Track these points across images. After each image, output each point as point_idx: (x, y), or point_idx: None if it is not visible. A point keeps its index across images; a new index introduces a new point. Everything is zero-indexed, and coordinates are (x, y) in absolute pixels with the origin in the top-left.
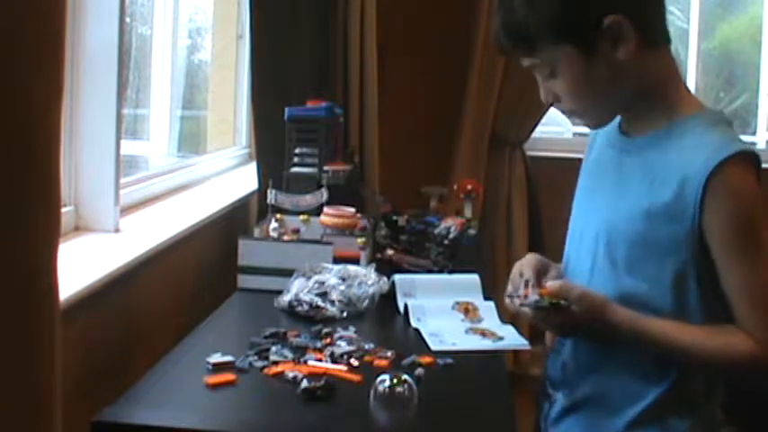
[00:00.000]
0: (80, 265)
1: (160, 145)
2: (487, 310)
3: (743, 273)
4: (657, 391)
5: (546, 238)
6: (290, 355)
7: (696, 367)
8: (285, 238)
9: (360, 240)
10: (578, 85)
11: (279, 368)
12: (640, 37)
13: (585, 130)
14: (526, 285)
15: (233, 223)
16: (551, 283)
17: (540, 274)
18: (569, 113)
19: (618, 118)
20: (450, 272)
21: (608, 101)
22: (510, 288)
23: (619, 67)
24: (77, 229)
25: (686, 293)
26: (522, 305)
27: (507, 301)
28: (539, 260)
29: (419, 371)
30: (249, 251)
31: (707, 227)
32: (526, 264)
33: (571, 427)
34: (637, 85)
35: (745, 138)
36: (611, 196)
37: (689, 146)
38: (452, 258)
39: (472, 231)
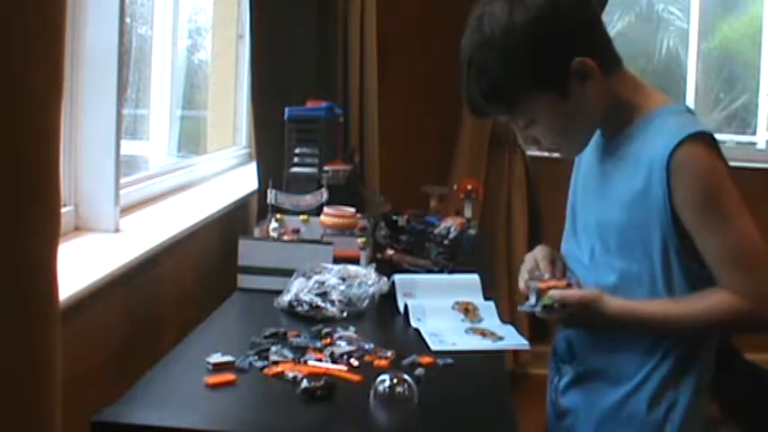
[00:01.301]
0: (80, 265)
1: (160, 145)
2: (487, 310)
3: (715, 239)
4: (653, 363)
5: (546, 237)
6: (290, 355)
7: (691, 334)
8: (285, 238)
9: (360, 240)
10: (558, 125)
11: (279, 368)
12: (601, 68)
13: None
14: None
15: (233, 223)
16: (553, 292)
17: (552, 264)
18: (550, 151)
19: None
20: (451, 272)
21: (585, 131)
22: (526, 276)
23: (589, 100)
24: (77, 229)
25: (670, 266)
26: (520, 309)
27: (522, 285)
28: (549, 251)
29: (419, 371)
30: (249, 251)
31: (676, 204)
32: (540, 256)
33: (578, 397)
34: (606, 107)
35: (745, 138)
36: (598, 194)
37: (651, 135)
38: (452, 258)
39: (472, 231)
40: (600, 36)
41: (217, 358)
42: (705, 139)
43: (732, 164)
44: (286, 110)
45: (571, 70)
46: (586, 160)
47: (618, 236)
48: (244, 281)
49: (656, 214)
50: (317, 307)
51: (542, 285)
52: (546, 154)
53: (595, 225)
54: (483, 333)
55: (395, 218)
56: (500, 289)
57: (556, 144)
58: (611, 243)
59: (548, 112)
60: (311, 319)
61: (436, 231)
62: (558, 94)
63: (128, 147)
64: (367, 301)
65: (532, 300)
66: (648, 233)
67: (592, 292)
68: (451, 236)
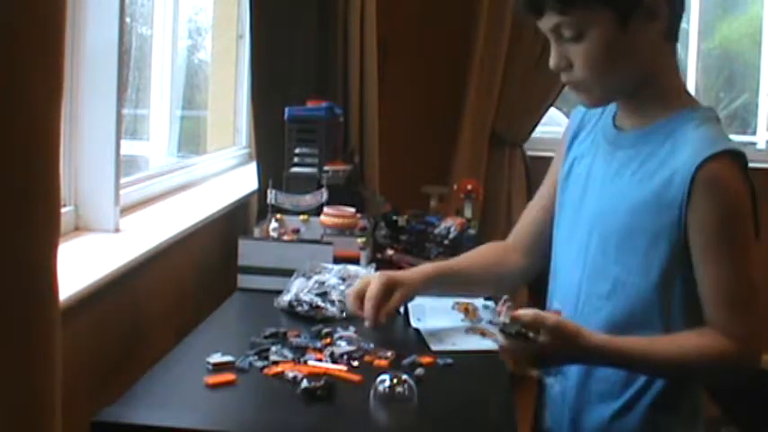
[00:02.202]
0: (80, 265)
1: (160, 145)
2: (487, 310)
3: (719, 269)
4: (638, 384)
5: None
6: (290, 355)
7: (676, 376)
8: (285, 238)
9: (360, 240)
10: (602, 53)
11: (279, 368)
12: (668, 24)
13: None
14: (503, 303)
15: (233, 223)
16: (524, 313)
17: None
18: (575, 85)
19: (612, 113)
20: None
21: (619, 79)
22: (352, 296)
23: (642, 46)
24: (77, 229)
25: (672, 288)
26: (491, 322)
27: (351, 303)
28: (388, 278)
29: (419, 371)
30: (249, 251)
31: (690, 221)
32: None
33: (564, 414)
34: (649, 70)
35: (745, 138)
36: (603, 190)
37: (680, 141)
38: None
39: (472, 231)
40: None
41: (217, 358)
42: (738, 160)
43: None
44: (286, 110)
45: (644, 2)
46: (589, 148)
47: (619, 241)
48: (244, 281)
49: (667, 228)
50: (317, 307)
51: (516, 314)
52: (546, 154)
53: (593, 223)
54: (483, 333)
55: (395, 218)
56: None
57: (584, 78)
58: (609, 248)
59: (600, 31)
60: (311, 319)
61: (436, 231)
62: (619, 19)
63: (128, 147)
64: None
65: (506, 319)
66: (654, 245)
67: (570, 322)
68: (451, 236)
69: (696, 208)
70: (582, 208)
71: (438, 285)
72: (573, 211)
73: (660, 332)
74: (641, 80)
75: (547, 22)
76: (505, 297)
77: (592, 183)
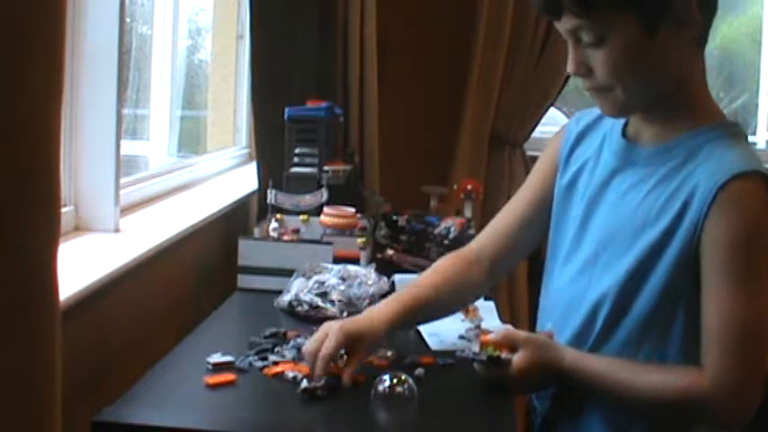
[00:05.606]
0: (80, 265)
1: (160, 145)
2: (487, 310)
3: (722, 301)
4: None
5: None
6: (289, 355)
7: (636, 406)
8: (285, 238)
9: (360, 240)
10: (625, 60)
11: (279, 368)
12: (700, 30)
13: None
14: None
15: (233, 223)
16: (494, 335)
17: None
18: (596, 90)
19: (621, 123)
20: None
21: (646, 88)
22: (310, 354)
23: (672, 54)
24: (77, 229)
25: (674, 320)
26: (462, 354)
27: (310, 363)
28: (347, 333)
29: (419, 371)
30: (249, 251)
31: (703, 243)
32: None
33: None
34: (677, 79)
35: None
36: (613, 209)
37: (704, 159)
38: None
39: (472, 231)
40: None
41: (217, 358)
42: (766, 183)
43: None
44: (286, 110)
45: (673, 6)
46: (594, 163)
47: (628, 265)
48: (244, 281)
49: (680, 251)
50: (317, 307)
51: (485, 338)
52: None
53: (600, 243)
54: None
55: (395, 218)
56: (500, 289)
57: (606, 84)
58: (618, 268)
59: (624, 39)
60: (311, 319)
61: (436, 231)
62: (646, 26)
63: (128, 147)
64: (367, 301)
65: (476, 348)
66: (663, 272)
67: (540, 336)
68: (451, 236)
69: (711, 228)
70: (587, 226)
71: (406, 325)
72: (576, 229)
73: (654, 360)
74: (668, 90)
75: (564, 25)
76: (470, 327)
77: (598, 200)
